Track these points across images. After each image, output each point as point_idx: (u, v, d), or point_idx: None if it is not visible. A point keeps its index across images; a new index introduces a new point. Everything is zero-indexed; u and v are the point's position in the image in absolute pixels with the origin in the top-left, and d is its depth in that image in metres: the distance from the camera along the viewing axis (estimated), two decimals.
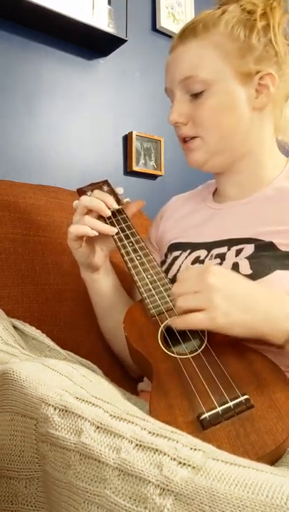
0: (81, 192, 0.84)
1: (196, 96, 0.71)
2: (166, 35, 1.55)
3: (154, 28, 1.54)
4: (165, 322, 0.63)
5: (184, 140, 0.75)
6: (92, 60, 1.38)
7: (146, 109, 1.50)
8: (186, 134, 0.73)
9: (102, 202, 0.74)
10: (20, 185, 0.96)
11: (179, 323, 0.57)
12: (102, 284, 0.81)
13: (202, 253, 0.73)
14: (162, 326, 0.63)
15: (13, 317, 0.75)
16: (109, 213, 0.74)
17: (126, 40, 1.34)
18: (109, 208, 0.75)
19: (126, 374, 0.89)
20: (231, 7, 0.70)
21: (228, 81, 0.69)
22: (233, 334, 0.55)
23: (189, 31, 0.71)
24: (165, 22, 1.54)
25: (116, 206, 0.76)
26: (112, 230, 0.74)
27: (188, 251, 0.76)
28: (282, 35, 0.71)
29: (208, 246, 0.74)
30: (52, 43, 1.29)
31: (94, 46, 1.35)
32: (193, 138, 0.73)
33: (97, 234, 0.72)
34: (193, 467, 0.32)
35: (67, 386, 0.43)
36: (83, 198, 0.75)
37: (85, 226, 0.72)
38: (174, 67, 0.73)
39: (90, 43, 1.34)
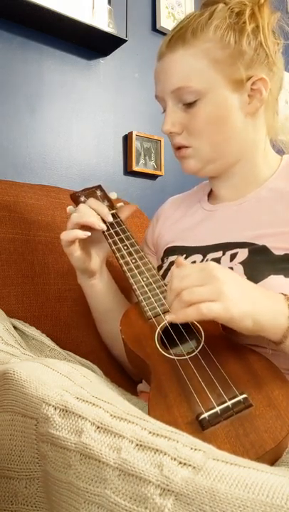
0: (74, 197, 0.83)
1: (189, 105, 0.70)
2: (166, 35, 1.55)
3: (154, 28, 1.54)
4: (162, 324, 0.63)
5: (178, 148, 0.75)
6: (92, 60, 1.38)
7: (146, 109, 1.50)
8: (180, 143, 0.73)
9: (94, 215, 0.74)
10: (21, 185, 0.96)
11: (190, 313, 0.52)
12: (98, 289, 0.81)
13: (198, 258, 0.73)
14: (159, 327, 0.63)
15: (13, 317, 0.75)
16: (104, 227, 0.74)
17: (126, 40, 1.34)
18: (104, 222, 0.75)
19: (126, 374, 0.89)
20: (219, 6, 0.69)
21: (220, 89, 0.68)
22: (240, 326, 0.53)
23: (177, 38, 0.70)
24: (165, 22, 1.54)
25: (110, 219, 0.76)
26: (101, 226, 0.74)
27: (184, 255, 0.76)
28: (271, 36, 0.70)
29: (204, 250, 0.73)
30: (52, 43, 1.29)
31: (94, 46, 1.35)
32: (186, 147, 0.73)
33: (89, 234, 0.73)
34: (194, 467, 0.32)
35: (67, 386, 0.43)
36: (74, 215, 0.74)
37: (74, 230, 0.72)
38: (164, 77, 0.71)
39: (90, 43, 1.33)
